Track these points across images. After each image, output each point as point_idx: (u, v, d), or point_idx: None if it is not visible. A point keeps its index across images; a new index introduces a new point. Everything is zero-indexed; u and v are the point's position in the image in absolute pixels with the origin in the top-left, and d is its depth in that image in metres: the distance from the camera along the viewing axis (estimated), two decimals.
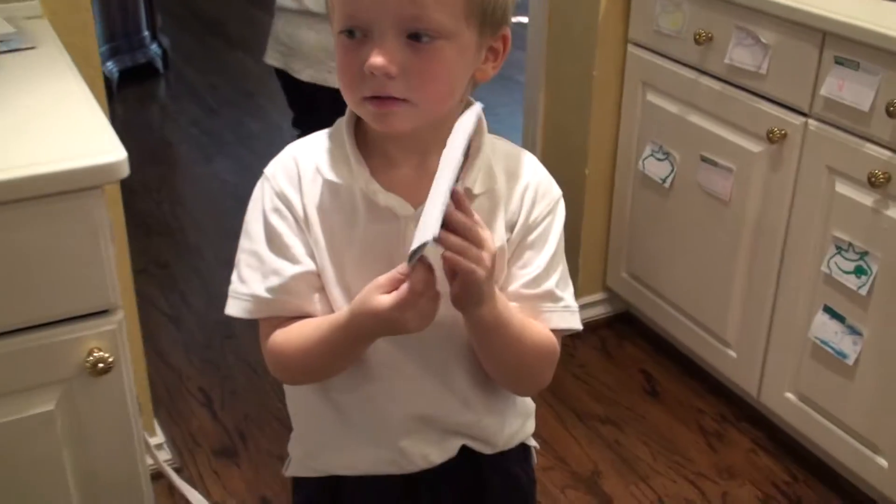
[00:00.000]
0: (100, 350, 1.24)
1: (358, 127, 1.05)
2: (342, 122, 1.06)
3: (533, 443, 1.22)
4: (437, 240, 0.89)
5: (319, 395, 1.09)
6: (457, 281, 0.93)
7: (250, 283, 1.04)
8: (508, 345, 1.01)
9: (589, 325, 2.56)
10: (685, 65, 2.15)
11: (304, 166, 1.04)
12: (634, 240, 2.45)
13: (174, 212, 3.36)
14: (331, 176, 1.03)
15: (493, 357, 1.04)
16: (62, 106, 1.32)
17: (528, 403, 1.19)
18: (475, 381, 1.09)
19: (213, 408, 2.34)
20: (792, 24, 1.87)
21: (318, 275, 1.04)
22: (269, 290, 1.03)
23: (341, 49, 0.97)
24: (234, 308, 1.06)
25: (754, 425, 2.25)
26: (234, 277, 1.06)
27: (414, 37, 0.93)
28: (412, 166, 1.03)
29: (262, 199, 1.05)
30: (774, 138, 1.94)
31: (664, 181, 2.27)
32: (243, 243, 1.06)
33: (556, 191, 1.08)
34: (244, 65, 4.85)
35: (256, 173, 1.08)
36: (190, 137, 2.90)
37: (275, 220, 1.03)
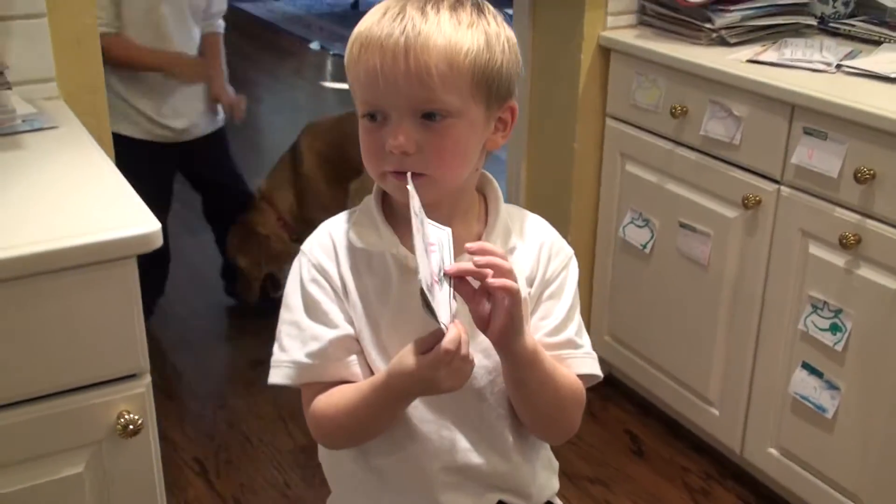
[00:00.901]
0: (129, 413, 1.29)
1: (385, 199, 1.14)
2: (370, 197, 1.15)
3: (559, 502, 1.28)
4: (449, 273, 0.98)
5: (359, 460, 1.15)
6: (499, 311, 0.99)
7: (291, 350, 1.11)
8: (544, 382, 1.08)
9: None
10: (662, 136, 2.27)
11: (338, 239, 1.13)
12: (616, 304, 2.54)
13: None
14: (363, 244, 1.11)
15: (530, 397, 1.10)
16: (92, 180, 1.40)
17: (554, 460, 1.26)
18: (510, 431, 1.15)
19: (209, 477, 2.37)
20: (762, 98, 1.99)
21: (356, 339, 1.11)
22: (309, 355, 1.10)
23: (364, 130, 1.08)
24: (277, 376, 1.12)
25: (739, 482, 2.32)
26: (275, 349, 1.13)
27: (427, 116, 1.04)
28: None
29: (300, 273, 1.13)
30: (749, 204, 2.05)
31: (644, 247, 2.37)
32: (283, 315, 1.13)
33: (568, 249, 1.18)
34: None
35: None
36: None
37: (313, 290, 1.11)
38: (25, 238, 1.21)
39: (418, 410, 1.11)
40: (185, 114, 2.84)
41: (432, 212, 1.10)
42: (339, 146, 3.04)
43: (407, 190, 1.05)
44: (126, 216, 1.28)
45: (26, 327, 1.22)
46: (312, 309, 1.11)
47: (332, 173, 3.07)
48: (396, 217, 1.12)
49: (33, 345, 1.23)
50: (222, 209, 3.15)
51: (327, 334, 1.10)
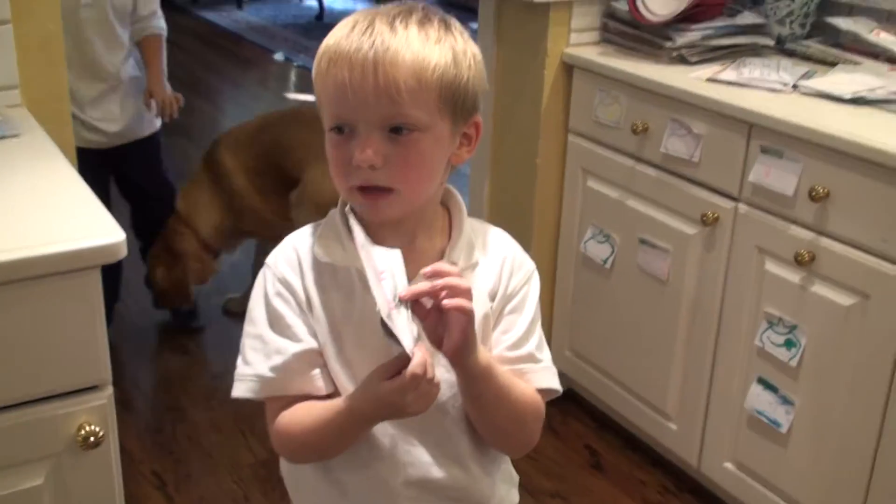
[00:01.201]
0: (90, 424, 1.29)
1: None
2: (335, 210, 1.15)
3: None
4: (404, 299, 0.99)
5: (321, 473, 1.15)
6: (454, 329, 1.01)
7: (254, 364, 1.11)
8: (500, 396, 1.10)
9: None
10: (623, 153, 2.30)
11: (303, 253, 1.13)
12: (577, 319, 2.56)
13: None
14: (328, 258, 1.12)
15: (487, 410, 1.12)
16: (55, 190, 1.39)
17: (514, 473, 1.27)
18: (471, 445, 1.16)
19: (168, 490, 2.35)
20: (721, 117, 2.03)
21: (319, 353, 1.11)
22: (273, 368, 1.10)
23: (332, 144, 1.08)
24: (240, 389, 1.12)
25: (695, 495, 2.35)
26: (239, 362, 1.13)
27: (394, 130, 1.05)
28: (401, 245, 1.12)
29: (264, 286, 1.13)
30: (708, 221, 2.09)
31: (605, 262, 2.40)
32: (247, 329, 1.13)
33: (530, 263, 1.19)
34: (185, 151, 4.92)
35: None
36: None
37: (277, 304, 1.11)
38: None
39: (382, 426, 1.11)
40: (118, 117, 2.82)
41: (397, 227, 1.11)
42: (269, 157, 2.95)
43: (375, 207, 1.07)
44: (90, 226, 1.27)
45: None
46: (276, 322, 1.11)
47: (268, 186, 2.97)
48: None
49: None
50: (148, 219, 3.06)
51: (291, 348, 1.10)
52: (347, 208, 1.12)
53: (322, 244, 1.13)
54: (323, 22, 7.97)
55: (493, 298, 1.15)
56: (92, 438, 1.28)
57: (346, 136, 1.06)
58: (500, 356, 1.13)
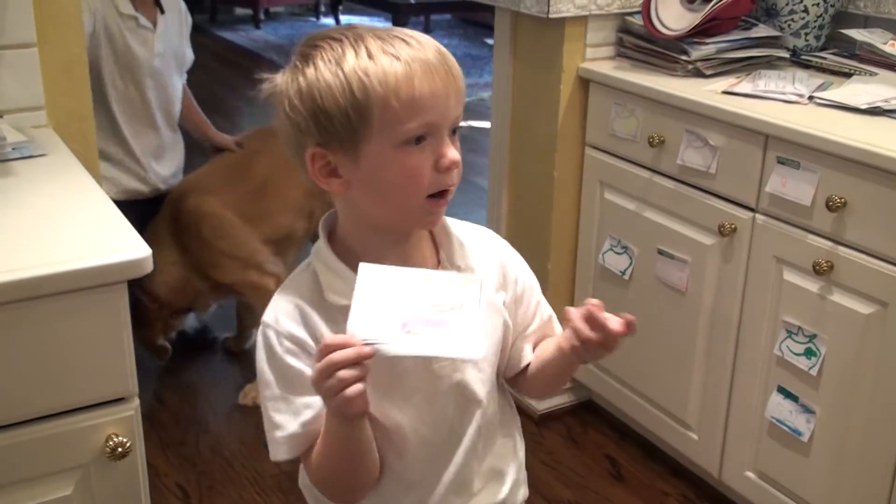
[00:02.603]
0: (118, 436, 1.31)
1: (333, 246, 1.15)
2: (321, 250, 1.14)
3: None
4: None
5: None
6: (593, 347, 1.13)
7: (285, 425, 1.11)
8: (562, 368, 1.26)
9: (554, 414, 2.67)
10: (640, 165, 2.32)
11: (302, 303, 1.12)
12: None
13: None
14: (337, 300, 1.11)
15: (555, 379, 1.29)
16: (81, 207, 1.42)
17: (523, 470, 1.32)
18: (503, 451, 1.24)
19: (191, 502, 2.38)
20: (737, 129, 2.05)
21: None
22: (304, 424, 1.11)
23: (409, 156, 1.07)
24: (279, 452, 1.13)
25: None
26: (266, 428, 1.13)
27: (453, 131, 1.10)
28: (397, 261, 1.12)
29: (271, 346, 1.12)
30: (725, 232, 2.10)
31: (623, 273, 2.41)
32: (265, 393, 1.13)
33: (503, 242, 1.27)
34: None
35: None
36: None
37: (292, 361, 1.10)
38: (16, 264, 1.23)
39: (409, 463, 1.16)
40: (177, 166, 2.91)
41: (409, 237, 1.15)
42: (260, 196, 2.86)
43: (440, 211, 1.12)
44: (116, 242, 1.30)
45: (17, 351, 1.25)
46: (296, 380, 1.10)
47: (252, 230, 2.85)
48: (351, 262, 1.11)
49: (23, 369, 1.25)
50: None
51: (318, 402, 1.09)
52: (324, 244, 1.14)
53: (330, 288, 1.12)
54: None
55: (502, 289, 1.22)
56: (119, 449, 1.30)
57: (422, 146, 1.07)
58: (537, 328, 1.25)
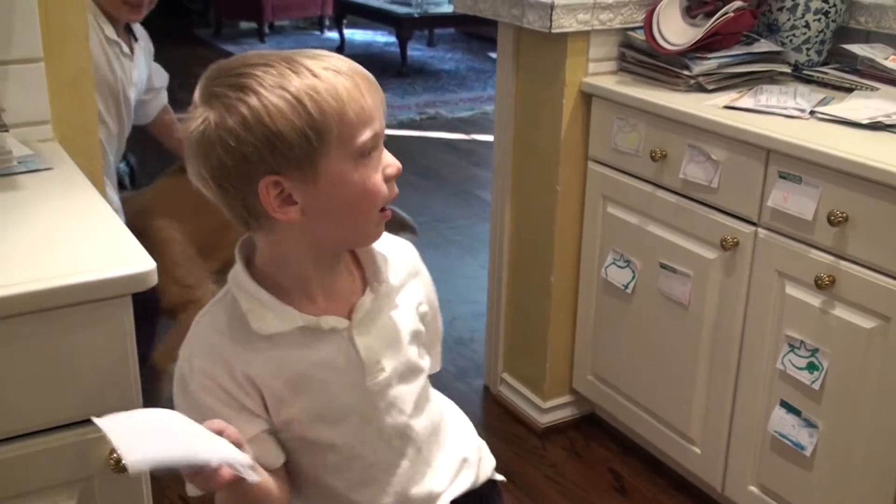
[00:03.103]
0: None
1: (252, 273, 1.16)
2: (240, 280, 1.14)
3: (499, 477, 1.36)
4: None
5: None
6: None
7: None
8: None
9: (557, 427, 2.67)
10: (642, 179, 2.33)
11: (217, 337, 1.14)
12: (599, 343, 2.58)
13: None
14: (272, 329, 1.11)
15: None
16: (86, 220, 1.43)
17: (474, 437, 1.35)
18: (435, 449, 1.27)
19: None
20: (739, 143, 2.05)
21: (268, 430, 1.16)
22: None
23: (366, 168, 1.08)
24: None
25: None
26: None
27: None
28: (322, 284, 1.15)
29: (184, 382, 1.15)
30: (728, 246, 2.10)
31: (626, 287, 2.42)
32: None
33: (418, 256, 1.28)
34: None
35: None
36: None
37: (204, 398, 1.13)
38: (21, 277, 1.23)
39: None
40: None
41: (340, 260, 1.17)
42: (223, 230, 2.56)
43: (384, 224, 1.14)
44: (120, 255, 1.31)
45: (22, 364, 1.25)
46: (208, 418, 1.09)
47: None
48: (277, 286, 1.14)
49: (28, 381, 1.26)
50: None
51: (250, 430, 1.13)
52: (242, 271, 1.14)
53: (256, 318, 1.12)
54: (344, 54, 8.04)
55: (425, 304, 1.25)
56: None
57: (370, 157, 1.09)
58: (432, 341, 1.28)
